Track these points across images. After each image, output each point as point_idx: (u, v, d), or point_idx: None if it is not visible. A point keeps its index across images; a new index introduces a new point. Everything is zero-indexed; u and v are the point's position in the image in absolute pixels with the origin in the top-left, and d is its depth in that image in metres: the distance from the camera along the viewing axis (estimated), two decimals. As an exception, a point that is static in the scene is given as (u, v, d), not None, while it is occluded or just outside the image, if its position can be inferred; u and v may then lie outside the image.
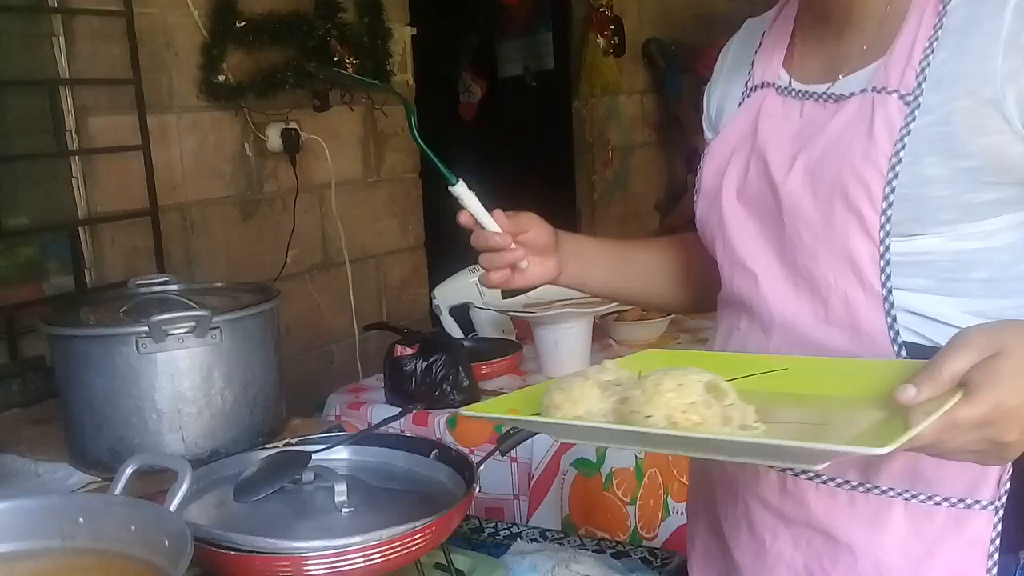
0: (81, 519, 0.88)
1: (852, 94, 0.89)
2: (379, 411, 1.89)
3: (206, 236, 2.26)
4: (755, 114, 0.97)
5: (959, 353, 0.69)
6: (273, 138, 2.36)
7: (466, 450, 1.41)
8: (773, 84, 0.98)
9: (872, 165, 0.85)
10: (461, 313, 2.30)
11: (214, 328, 1.26)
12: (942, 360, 0.69)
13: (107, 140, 2.01)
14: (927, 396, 0.68)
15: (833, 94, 0.92)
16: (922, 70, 0.86)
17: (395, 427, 1.59)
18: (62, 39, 1.97)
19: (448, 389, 1.86)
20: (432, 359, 1.87)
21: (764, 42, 1.03)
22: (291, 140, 2.38)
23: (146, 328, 1.22)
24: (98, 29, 1.99)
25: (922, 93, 0.85)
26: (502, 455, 1.20)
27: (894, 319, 0.86)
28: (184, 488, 0.90)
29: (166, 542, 0.83)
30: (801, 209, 0.89)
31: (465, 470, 1.13)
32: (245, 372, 1.31)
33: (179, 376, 1.25)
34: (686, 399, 0.74)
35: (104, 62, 2.00)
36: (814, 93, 0.93)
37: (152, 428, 1.24)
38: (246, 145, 2.35)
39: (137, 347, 1.22)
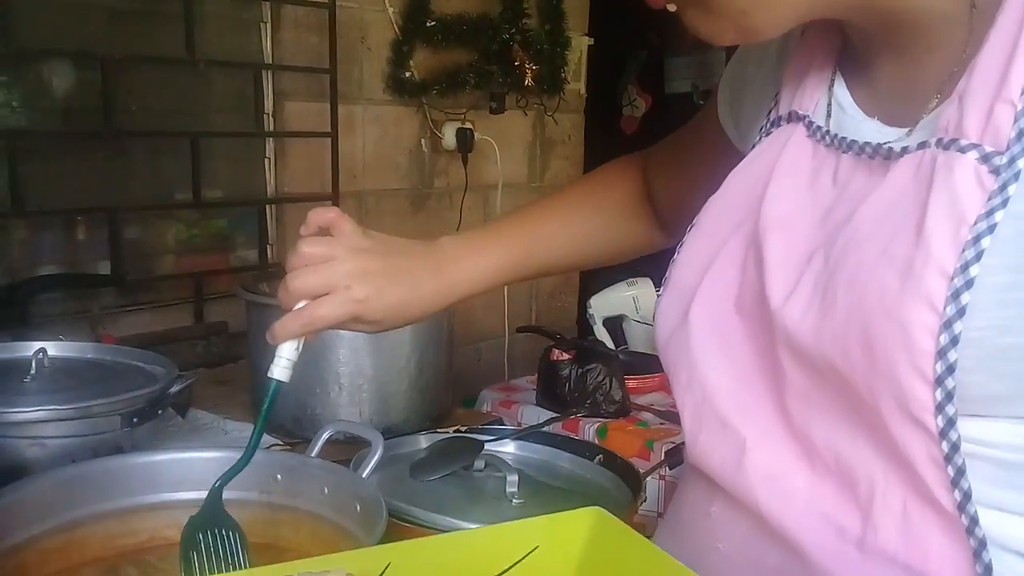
0: (279, 476, 0.93)
1: (906, 149, 0.55)
2: (529, 412, 1.91)
3: (378, 224, 2.31)
4: (771, 167, 0.63)
5: None
6: (448, 136, 2.43)
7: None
8: (805, 118, 0.64)
9: (918, 292, 0.49)
10: (614, 325, 2.30)
11: (398, 311, 1.31)
12: None
13: (300, 125, 2.12)
14: None
15: (884, 147, 0.56)
16: None
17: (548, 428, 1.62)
18: (268, 26, 2.08)
19: (601, 399, 1.87)
20: (588, 367, 1.89)
21: (795, 53, 0.68)
22: (465, 139, 2.44)
23: (337, 304, 1.28)
24: (302, 18, 2.10)
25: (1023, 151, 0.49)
26: (670, 469, 1.20)
27: (987, 568, 0.50)
28: (376, 458, 0.94)
29: (357, 507, 0.86)
30: (808, 353, 0.55)
31: (631, 479, 1.14)
32: (421, 356, 1.35)
33: (361, 354, 1.31)
34: None
35: (304, 51, 2.11)
36: (855, 143, 0.59)
37: (333, 400, 1.30)
38: (423, 141, 2.43)
39: (327, 322, 1.28)
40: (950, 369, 0.48)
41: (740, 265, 0.62)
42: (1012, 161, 0.48)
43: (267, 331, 0.78)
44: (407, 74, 2.30)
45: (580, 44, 2.78)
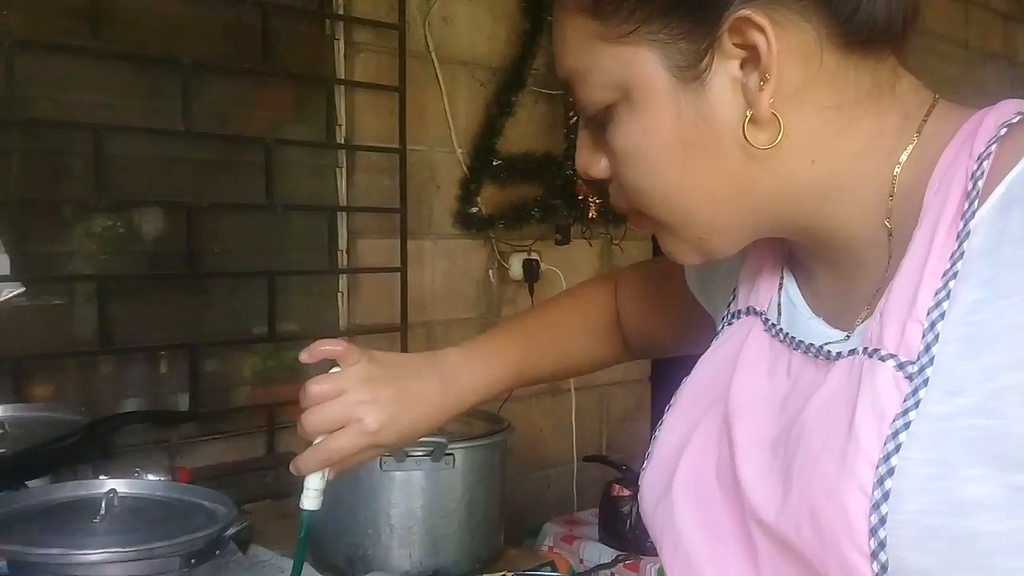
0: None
1: (840, 354, 0.63)
2: (591, 549, 1.90)
3: (446, 354, 2.41)
4: (735, 357, 0.71)
5: None
6: (515, 267, 2.51)
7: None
8: (761, 315, 0.73)
9: (851, 478, 0.56)
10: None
11: (448, 454, 1.35)
12: None
13: (372, 260, 2.22)
14: None
15: (824, 349, 0.65)
16: (932, 323, 0.56)
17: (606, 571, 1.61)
18: (344, 170, 2.22)
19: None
20: (649, 501, 1.87)
21: (750, 254, 0.76)
22: (531, 270, 2.51)
23: (390, 447, 1.33)
24: (375, 163, 2.23)
25: (931, 361, 0.56)
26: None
27: None
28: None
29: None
30: (772, 529, 0.62)
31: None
32: (472, 498, 1.38)
33: (413, 495, 1.34)
34: None
35: (377, 192, 2.23)
36: (802, 343, 0.67)
37: (384, 541, 1.33)
38: (490, 272, 2.51)
39: (380, 464, 1.33)
40: (882, 545, 0.55)
41: (715, 443, 0.69)
42: (922, 370, 0.56)
43: (291, 463, 0.84)
44: (475, 209, 2.40)
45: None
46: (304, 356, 0.86)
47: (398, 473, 1.33)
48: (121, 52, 1.84)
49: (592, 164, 0.70)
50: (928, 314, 0.57)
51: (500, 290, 2.54)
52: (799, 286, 0.72)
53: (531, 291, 2.53)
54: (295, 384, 2.23)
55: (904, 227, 0.62)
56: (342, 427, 0.82)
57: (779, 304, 0.72)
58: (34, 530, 1.17)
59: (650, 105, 0.64)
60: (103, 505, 1.23)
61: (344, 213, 2.20)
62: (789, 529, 0.60)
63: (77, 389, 1.84)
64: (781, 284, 0.73)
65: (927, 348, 0.56)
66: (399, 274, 2.24)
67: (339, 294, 2.22)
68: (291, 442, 2.02)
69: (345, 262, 2.22)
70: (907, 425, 0.55)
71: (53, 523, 1.20)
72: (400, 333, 2.27)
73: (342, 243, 2.21)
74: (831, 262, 0.68)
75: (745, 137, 0.62)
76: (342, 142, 2.19)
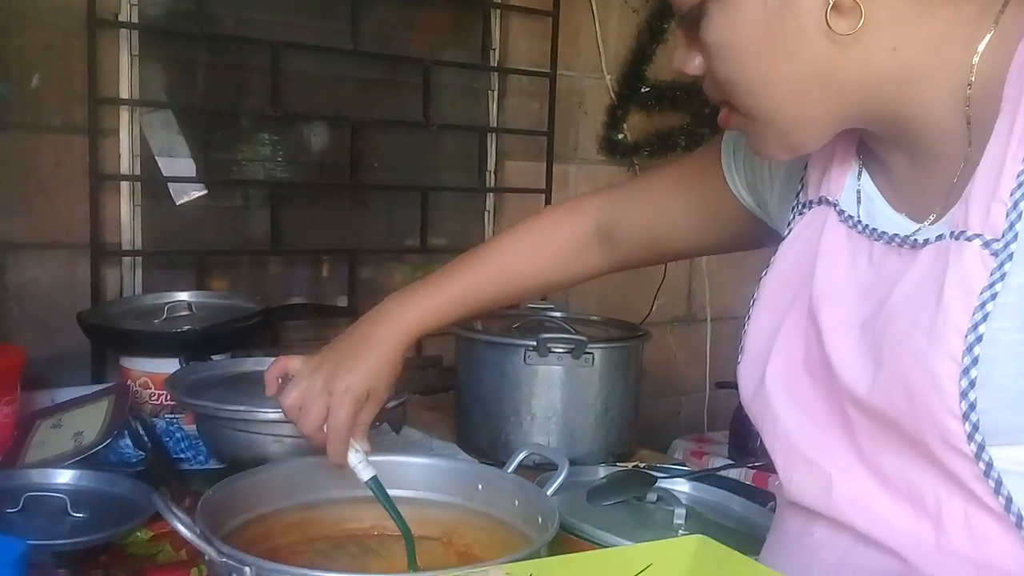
0: (480, 486, 1.07)
1: (928, 241, 0.67)
2: (720, 463, 1.95)
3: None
4: (815, 247, 0.75)
5: None
6: (657, 195, 2.54)
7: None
8: (834, 204, 0.76)
9: (942, 348, 0.61)
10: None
11: (588, 353, 1.43)
12: None
13: (517, 182, 2.31)
14: None
15: (909, 239, 0.69)
16: (1016, 203, 0.61)
17: (737, 476, 1.66)
18: (495, 93, 2.30)
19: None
20: (779, 423, 1.91)
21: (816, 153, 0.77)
22: (673, 198, 2.53)
23: (534, 343, 1.42)
24: (525, 87, 2.30)
25: (1016, 237, 0.61)
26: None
27: None
28: (560, 479, 1.05)
29: (539, 519, 0.97)
30: (867, 404, 0.67)
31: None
32: (608, 396, 1.46)
33: (554, 388, 1.44)
34: None
35: (525, 115, 2.31)
36: (884, 234, 0.71)
37: (525, 428, 1.43)
38: (632, 199, 2.55)
39: (524, 358, 1.43)
40: (972, 406, 0.60)
41: (802, 334, 0.74)
42: (1006, 246, 0.62)
43: (328, 461, 0.98)
44: (620, 136, 2.44)
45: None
46: (270, 391, 1.01)
47: (541, 367, 1.42)
48: (296, -26, 1.97)
49: (687, 61, 0.72)
50: (1011, 195, 0.61)
51: (641, 217, 2.58)
52: (872, 177, 0.75)
53: (672, 219, 2.57)
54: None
55: (983, 116, 0.65)
56: (327, 410, 0.94)
57: (857, 192, 0.75)
58: (221, 393, 1.34)
59: None
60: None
61: (493, 134, 2.29)
62: (883, 402, 0.65)
63: (249, 285, 2.02)
64: (858, 175, 0.75)
65: (1011, 226, 0.61)
66: (543, 196, 2.32)
67: (486, 212, 2.32)
68: (437, 347, 2.15)
69: (492, 182, 2.32)
70: (994, 296, 0.60)
71: (237, 388, 1.36)
72: (542, 253, 2.36)
73: (490, 164, 2.31)
74: (910, 152, 0.71)
75: (827, 24, 0.64)
76: (495, 65, 2.27)
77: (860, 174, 0.75)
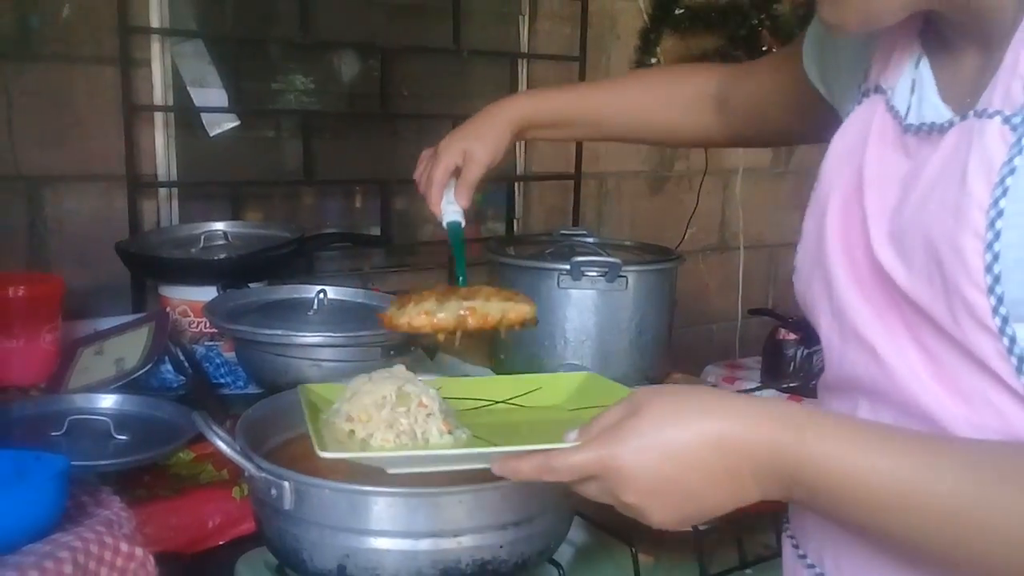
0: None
1: (952, 123, 0.67)
2: (754, 387, 1.96)
3: (616, 204, 2.48)
4: (866, 134, 0.76)
5: (615, 408, 0.68)
6: (691, 121, 2.50)
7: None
8: (886, 93, 0.75)
9: (966, 226, 0.62)
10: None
11: (622, 276, 1.43)
12: (603, 412, 0.68)
13: (549, 109, 2.28)
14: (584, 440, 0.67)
15: (933, 124, 0.69)
16: None
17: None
18: (526, 18, 2.26)
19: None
20: (814, 349, 1.90)
21: (882, 38, 0.77)
22: (707, 124, 2.49)
23: (568, 267, 1.42)
24: (557, 10, 2.26)
25: None
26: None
27: None
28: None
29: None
30: (903, 286, 0.68)
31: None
32: (642, 319, 1.47)
33: (587, 312, 1.44)
34: (367, 399, 0.83)
35: (557, 40, 2.27)
36: (912, 125, 0.71)
37: (559, 352, 1.44)
38: (665, 125, 2.52)
39: (558, 282, 1.43)
40: (997, 279, 0.61)
41: (848, 212, 0.75)
42: None
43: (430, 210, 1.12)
44: (654, 60, 2.39)
45: (833, 29, 2.73)
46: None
47: (574, 291, 1.43)
48: None
49: None
50: None
51: (674, 144, 2.55)
52: (935, 68, 0.73)
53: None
54: (475, 225, 2.37)
55: None
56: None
57: (912, 81, 0.73)
58: (258, 319, 1.36)
59: None
60: (315, 302, 1.40)
61: (525, 61, 2.26)
62: (919, 284, 0.66)
63: (283, 215, 2.03)
64: (917, 63, 0.73)
65: None
66: (576, 123, 2.29)
67: (517, 142, 2.30)
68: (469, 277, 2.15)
69: (524, 110, 2.29)
70: (1012, 171, 0.61)
71: (274, 314, 1.38)
72: (574, 182, 2.34)
73: (521, 89, 2.27)
74: (981, 40, 0.68)
75: None
76: (526, -12, 2.23)
77: (919, 63, 0.74)
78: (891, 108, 0.74)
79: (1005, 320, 0.62)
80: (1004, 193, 0.61)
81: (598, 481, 0.66)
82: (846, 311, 0.73)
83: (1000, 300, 0.61)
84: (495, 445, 0.81)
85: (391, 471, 0.80)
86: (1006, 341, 0.62)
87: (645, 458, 0.63)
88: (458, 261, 1.08)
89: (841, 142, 0.78)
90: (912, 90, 0.73)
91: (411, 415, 0.84)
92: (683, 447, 0.63)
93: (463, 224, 1.09)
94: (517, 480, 0.71)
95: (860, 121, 0.77)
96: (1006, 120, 0.62)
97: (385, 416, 0.83)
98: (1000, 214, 0.61)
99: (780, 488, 0.63)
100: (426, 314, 0.95)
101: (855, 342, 0.73)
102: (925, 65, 0.73)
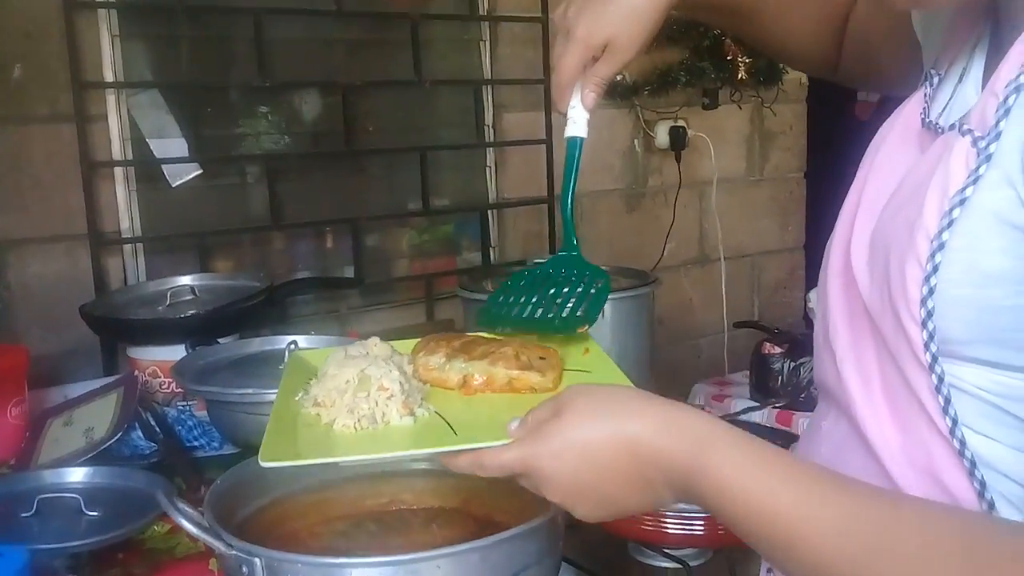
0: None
1: (944, 129, 0.62)
2: (741, 405, 1.93)
3: (593, 224, 2.45)
4: (897, 117, 0.71)
5: (544, 405, 0.68)
6: (661, 135, 2.49)
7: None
8: (932, 80, 0.69)
9: (912, 251, 0.58)
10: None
11: (598, 306, 1.40)
12: (536, 407, 0.68)
13: (517, 134, 2.26)
14: (516, 436, 0.68)
15: (935, 124, 0.64)
16: (1006, 98, 0.55)
17: (759, 419, 1.64)
18: (487, 44, 2.24)
19: (815, 393, 1.85)
20: (801, 361, 1.88)
21: (948, 22, 0.71)
22: (678, 137, 2.48)
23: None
24: (518, 34, 2.24)
25: (998, 137, 0.55)
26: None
27: (982, 483, 0.59)
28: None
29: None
30: (863, 294, 0.65)
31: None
32: (621, 347, 1.44)
33: (565, 345, 1.41)
34: (331, 383, 0.83)
35: (520, 64, 2.25)
36: (924, 121, 0.67)
37: (539, 388, 1.41)
38: (635, 141, 2.50)
39: (533, 316, 1.40)
40: (930, 314, 0.57)
41: (851, 202, 0.70)
42: (988, 145, 0.56)
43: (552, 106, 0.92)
44: (619, 77, 2.38)
45: (798, 33, 2.73)
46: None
47: (550, 325, 1.40)
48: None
49: None
50: (1006, 86, 0.55)
51: (646, 160, 2.53)
52: (987, 61, 0.66)
53: (678, 159, 2.52)
54: (449, 256, 2.34)
55: None
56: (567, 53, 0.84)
57: (963, 70, 0.66)
58: (230, 376, 1.32)
59: None
60: (286, 354, 1.36)
61: (489, 87, 2.24)
62: (872, 297, 0.63)
63: (253, 263, 2.00)
64: (971, 47, 0.67)
65: (996, 123, 0.55)
66: (544, 147, 2.27)
67: (487, 168, 2.28)
68: (448, 310, 2.13)
69: (492, 137, 2.27)
70: (963, 202, 0.56)
71: (244, 371, 1.34)
72: (546, 206, 2.31)
73: (488, 117, 2.25)
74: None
75: None
76: (484, 14, 2.21)
77: (976, 47, 0.66)
78: (926, 96, 0.68)
79: (935, 357, 0.58)
80: (949, 225, 0.56)
81: (525, 478, 0.67)
82: (829, 312, 0.71)
83: (931, 336, 0.58)
84: (456, 425, 0.81)
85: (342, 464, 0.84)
86: (935, 378, 0.59)
87: (563, 460, 0.64)
88: (565, 187, 0.92)
89: (884, 125, 0.72)
90: (960, 79, 0.66)
91: (371, 399, 0.83)
92: (599, 449, 0.63)
93: (584, 138, 0.90)
94: (457, 472, 0.72)
95: (905, 109, 0.71)
96: (975, 142, 0.56)
97: (347, 401, 0.83)
98: (942, 247, 0.56)
99: (687, 496, 0.62)
100: (434, 369, 0.93)
101: (826, 346, 0.71)
102: (981, 51, 0.66)
